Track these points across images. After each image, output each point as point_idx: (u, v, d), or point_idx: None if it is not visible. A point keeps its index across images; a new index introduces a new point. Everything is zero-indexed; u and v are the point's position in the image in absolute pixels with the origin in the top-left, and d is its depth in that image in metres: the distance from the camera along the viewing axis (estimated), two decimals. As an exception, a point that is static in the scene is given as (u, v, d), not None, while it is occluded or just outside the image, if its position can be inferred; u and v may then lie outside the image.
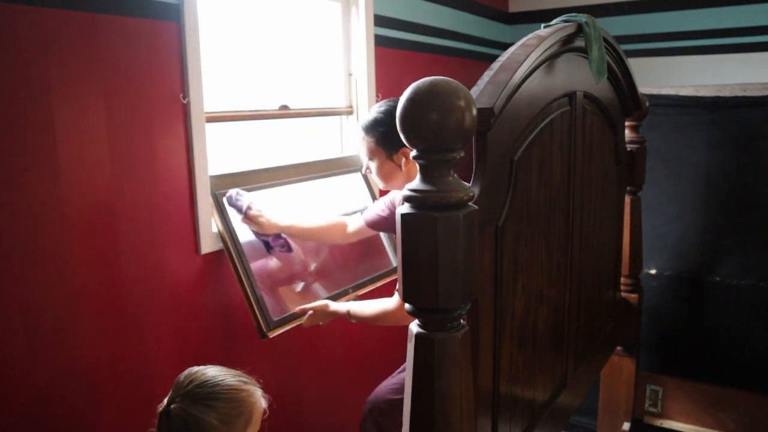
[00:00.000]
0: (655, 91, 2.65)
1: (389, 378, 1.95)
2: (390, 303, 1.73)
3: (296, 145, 2.28)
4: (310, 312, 1.82)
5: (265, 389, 1.29)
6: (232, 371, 1.25)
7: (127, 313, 1.61)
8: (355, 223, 1.98)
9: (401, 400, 1.81)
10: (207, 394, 1.17)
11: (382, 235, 2.34)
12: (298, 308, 1.84)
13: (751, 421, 2.41)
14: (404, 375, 1.89)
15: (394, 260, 2.31)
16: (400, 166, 1.75)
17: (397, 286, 1.84)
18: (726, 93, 2.57)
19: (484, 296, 1.07)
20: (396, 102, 1.78)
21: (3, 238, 1.35)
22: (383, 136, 1.72)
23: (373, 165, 1.79)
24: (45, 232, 1.42)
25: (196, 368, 1.23)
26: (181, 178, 1.72)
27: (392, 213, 1.84)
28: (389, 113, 1.72)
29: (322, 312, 1.82)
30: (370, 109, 1.81)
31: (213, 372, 1.22)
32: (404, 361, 1.99)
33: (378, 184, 1.84)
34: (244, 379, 1.25)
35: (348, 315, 1.80)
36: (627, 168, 1.98)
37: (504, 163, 1.09)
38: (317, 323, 1.84)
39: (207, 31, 1.80)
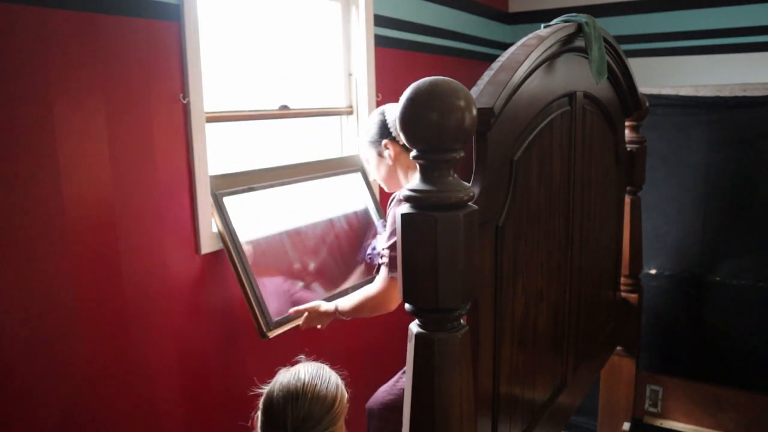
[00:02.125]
0: (655, 91, 2.65)
1: (386, 384, 1.94)
2: (372, 288, 1.72)
3: (296, 145, 2.28)
4: (306, 314, 1.81)
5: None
6: (311, 372, 1.26)
7: (127, 312, 1.61)
8: (384, 280, 1.71)
9: (393, 403, 1.81)
10: (322, 418, 1.21)
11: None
12: (291, 310, 1.84)
13: (751, 421, 2.41)
14: (402, 379, 1.88)
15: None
16: (389, 161, 1.78)
17: (375, 270, 1.84)
18: (726, 93, 2.57)
19: (484, 296, 1.07)
20: (382, 107, 1.82)
21: (3, 238, 1.35)
22: (369, 138, 1.81)
23: (372, 170, 1.86)
24: (45, 232, 1.42)
25: (290, 391, 1.22)
26: (181, 178, 1.72)
27: None
28: (372, 117, 1.82)
29: (316, 312, 1.81)
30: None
31: (309, 391, 1.22)
32: (405, 362, 2.00)
33: (384, 188, 1.88)
34: (325, 377, 1.27)
35: (337, 312, 1.79)
36: (627, 168, 1.98)
37: (504, 163, 1.09)
38: (314, 326, 1.83)
39: (207, 31, 1.80)
